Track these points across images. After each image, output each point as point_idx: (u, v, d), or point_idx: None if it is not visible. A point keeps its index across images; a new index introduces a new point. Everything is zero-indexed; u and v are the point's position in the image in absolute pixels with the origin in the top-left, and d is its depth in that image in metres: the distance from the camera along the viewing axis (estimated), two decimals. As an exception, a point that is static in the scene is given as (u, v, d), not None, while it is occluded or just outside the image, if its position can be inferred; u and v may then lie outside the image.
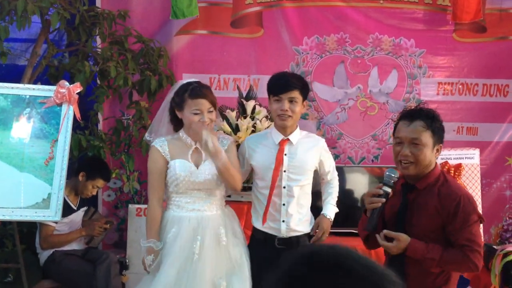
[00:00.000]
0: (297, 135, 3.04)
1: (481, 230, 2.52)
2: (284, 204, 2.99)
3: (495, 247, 3.68)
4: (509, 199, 4.73)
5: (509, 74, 4.71)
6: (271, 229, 3.01)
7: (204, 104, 2.87)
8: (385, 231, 2.39)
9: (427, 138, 2.39)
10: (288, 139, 3.02)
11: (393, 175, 2.42)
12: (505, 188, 4.74)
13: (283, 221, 2.99)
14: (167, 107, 2.98)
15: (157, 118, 3.10)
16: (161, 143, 2.93)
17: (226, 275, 2.88)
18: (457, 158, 4.20)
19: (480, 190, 4.25)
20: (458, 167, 4.14)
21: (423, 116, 2.41)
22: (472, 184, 4.20)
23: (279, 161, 2.98)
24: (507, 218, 3.91)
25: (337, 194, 3.19)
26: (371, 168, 4.50)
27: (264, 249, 3.00)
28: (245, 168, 3.13)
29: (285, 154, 3.01)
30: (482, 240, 2.41)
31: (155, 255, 2.86)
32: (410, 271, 2.40)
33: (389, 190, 2.40)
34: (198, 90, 2.89)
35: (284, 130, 3.01)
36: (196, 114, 2.86)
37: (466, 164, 4.20)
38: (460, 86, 4.73)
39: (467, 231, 2.35)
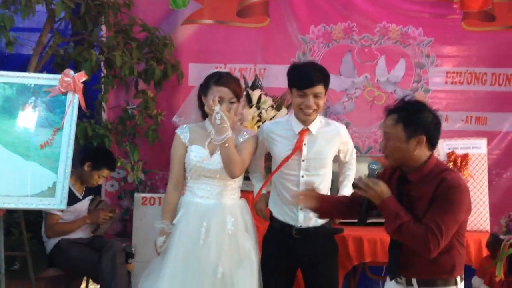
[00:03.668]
0: (317, 124, 3.01)
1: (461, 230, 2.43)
2: None
3: (501, 237, 3.65)
4: (518, 190, 4.67)
5: (518, 63, 4.65)
6: (289, 218, 3.00)
7: (226, 92, 2.90)
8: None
9: (397, 131, 2.40)
10: (308, 129, 2.99)
11: (374, 167, 2.49)
12: (515, 178, 4.68)
13: (301, 209, 2.96)
14: (196, 93, 3.02)
15: (186, 101, 3.15)
16: (183, 130, 3.02)
17: (232, 266, 2.88)
18: (464, 148, 4.16)
19: (487, 180, 4.20)
20: (465, 157, 4.10)
21: (399, 109, 2.43)
22: (479, 174, 4.15)
23: (296, 149, 2.95)
24: (514, 208, 3.85)
25: (354, 175, 3.17)
26: (378, 158, 4.46)
27: (282, 240, 3.00)
28: (259, 153, 3.12)
29: (305, 144, 2.98)
30: (448, 236, 2.32)
31: (166, 236, 2.91)
32: (414, 260, 2.40)
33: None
34: (223, 78, 2.93)
35: (304, 121, 2.98)
36: (217, 101, 2.88)
37: (473, 154, 4.15)
38: (468, 75, 4.68)
39: (439, 214, 2.31)
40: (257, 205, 3.16)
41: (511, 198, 4.62)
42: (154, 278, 2.88)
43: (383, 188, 2.42)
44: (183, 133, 3.00)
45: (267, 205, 3.14)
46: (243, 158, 2.94)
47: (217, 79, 2.93)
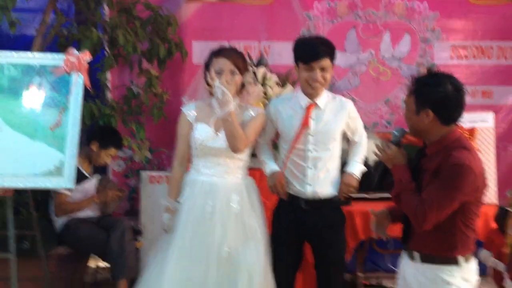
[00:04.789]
0: (324, 99, 3.00)
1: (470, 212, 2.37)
2: (310, 168, 2.98)
3: (508, 209, 3.65)
4: (525, 163, 4.67)
5: (525, 36, 4.62)
6: (297, 192, 3.01)
7: (226, 63, 2.86)
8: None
9: (410, 102, 2.41)
10: (315, 103, 2.98)
11: (396, 133, 2.52)
12: (521, 151, 4.68)
13: (310, 184, 2.98)
14: (203, 71, 3.00)
15: (196, 81, 3.20)
16: (189, 108, 2.99)
17: (238, 245, 2.88)
18: (471, 122, 4.15)
19: (494, 154, 4.21)
20: (472, 131, 4.09)
21: (417, 81, 2.43)
22: (486, 148, 4.16)
23: (304, 124, 2.95)
24: (523, 181, 3.85)
25: (364, 154, 3.16)
26: (383, 134, 4.46)
27: (292, 212, 3.02)
28: (270, 134, 3.12)
29: (312, 118, 2.97)
30: (441, 213, 2.28)
31: (171, 214, 2.92)
32: (418, 233, 2.39)
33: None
34: (223, 50, 2.92)
35: (311, 95, 2.97)
36: (217, 73, 2.86)
37: (481, 128, 4.15)
38: (474, 49, 4.65)
39: (435, 189, 2.29)
40: (276, 180, 3.05)
41: (517, 171, 4.63)
42: (161, 257, 2.88)
43: (396, 154, 2.44)
44: (188, 111, 2.98)
45: None
46: (248, 134, 2.90)
47: (218, 51, 2.92)
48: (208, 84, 2.95)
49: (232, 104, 2.81)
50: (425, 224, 2.31)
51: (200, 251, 2.84)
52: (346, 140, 3.25)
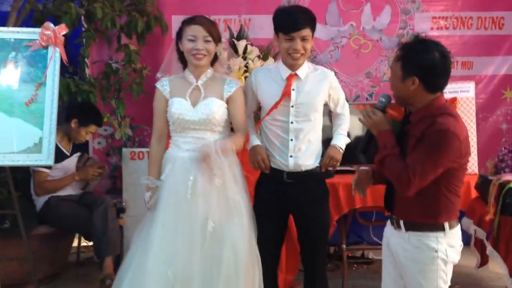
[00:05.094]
0: (305, 69, 2.97)
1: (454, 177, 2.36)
2: (292, 140, 2.95)
3: (490, 178, 3.69)
4: (505, 133, 4.71)
5: (504, 6, 4.62)
6: (279, 165, 2.98)
7: (199, 30, 2.79)
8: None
9: (396, 68, 2.38)
10: (296, 74, 2.95)
11: (382, 99, 2.50)
12: (501, 121, 4.72)
13: (291, 156, 2.96)
14: (174, 44, 2.92)
15: (167, 56, 3.04)
16: (162, 83, 2.92)
17: (222, 219, 2.84)
18: (452, 92, 4.17)
19: (475, 123, 4.24)
20: (453, 100, 4.11)
21: (404, 47, 2.39)
22: (467, 117, 4.18)
23: (284, 95, 2.92)
24: (503, 149, 3.88)
25: (347, 125, 3.16)
26: (365, 106, 4.46)
27: (273, 184, 3.00)
28: (253, 106, 3.09)
29: (293, 89, 2.94)
30: (425, 178, 2.28)
31: (152, 192, 2.87)
32: (402, 200, 2.40)
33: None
34: (195, 18, 2.83)
35: (292, 66, 2.94)
36: (190, 40, 2.79)
37: (462, 98, 4.17)
38: (454, 20, 4.66)
39: (418, 155, 2.29)
40: (258, 154, 3.03)
41: (496, 141, 4.68)
42: (145, 235, 2.83)
43: (381, 120, 2.43)
44: (163, 86, 2.90)
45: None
46: (240, 122, 2.89)
47: (190, 19, 2.83)
48: (180, 54, 2.89)
49: (228, 145, 2.78)
50: (409, 190, 2.31)
51: (184, 227, 2.79)
52: (329, 115, 3.24)
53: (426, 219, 2.37)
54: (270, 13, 2.97)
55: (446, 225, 2.37)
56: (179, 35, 2.86)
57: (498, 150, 4.65)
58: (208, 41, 2.80)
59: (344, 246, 4.13)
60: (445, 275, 2.37)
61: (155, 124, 2.95)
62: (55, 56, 3.35)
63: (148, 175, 2.90)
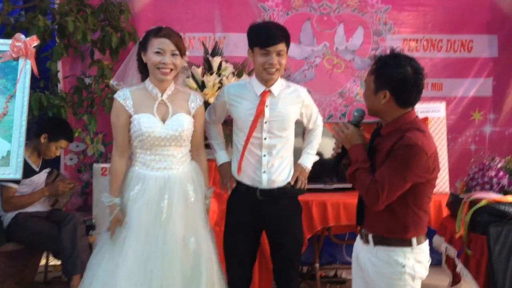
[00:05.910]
0: (278, 86, 2.98)
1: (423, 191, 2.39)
2: (265, 155, 2.95)
3: (461, 196, 3.73)
4: (473, 153, 4.80)
5: (473, 30, 4.74)
6: (252, 181, 2.97)
7: (167, 44, 2.74)
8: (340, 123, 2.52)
9: (369, 81, 2.40)
10: (269, 91, 2.96)
11: (355, 114, 2.53)
12: (470, 142, 4.81)
13: (264, 172, 2.95)
14: (135, 52, 2.87)
15: (125, 62, 2.98)
16: (123, 96, 2.78)
17: (199, 234, 2.83)
18: (423, 112, 4.23)
19: (446, 143, 4.30)
20: (424, 120, 4.16)
21: (378, 60, 2.40)
22: (438, 137, 4.25)
23: (259, 113, 2.92)
24: (473, 167, 3.94)
25: (318, 142, 3.19)
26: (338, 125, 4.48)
27: (246, 201, 2.98)
28: (221, 118, 3.12)
29: (266, 106, 2.95)
30: (392, 193, 2.30)
31: (111, 209, 2.78)
32: (372, 215, 2.41)
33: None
34: (163, 30, 2.79)
35: (266, 82, 2.95)
36: (157, 53, 2.74)
37: (433, 118, 4.24)
38: (425, 42, 4.76)
39: (386, 169, 2.30)
40: (226, 175, 3.09)
41: (465, 162, 4.74)
42: (115, 261, 2.73)
43: (354, 134, 2.45)
44: (124, 100, 2.77)
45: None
46: (201, 138, 2.98)
47: (157, 31, 2.78)
48: (141, 68, 2.83)
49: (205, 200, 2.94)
50: (377, 204, 2.32)
51: (160, 248, 2.73)
52: (302, 134, 3.26)
53: (394, 234, 2.38)
54: (244, 32, 2.98)
55: (414, 240, 2.38)
56: (143, 45, 2.79)
57: (467, 170, 4.71)
58: (175, 55, 2.77)
59: (317, 265, 4.11)
60: None
61: (117, 140, 2.82)
62: (25, 68, 3.29)
63: (109, 195, 2.80)
